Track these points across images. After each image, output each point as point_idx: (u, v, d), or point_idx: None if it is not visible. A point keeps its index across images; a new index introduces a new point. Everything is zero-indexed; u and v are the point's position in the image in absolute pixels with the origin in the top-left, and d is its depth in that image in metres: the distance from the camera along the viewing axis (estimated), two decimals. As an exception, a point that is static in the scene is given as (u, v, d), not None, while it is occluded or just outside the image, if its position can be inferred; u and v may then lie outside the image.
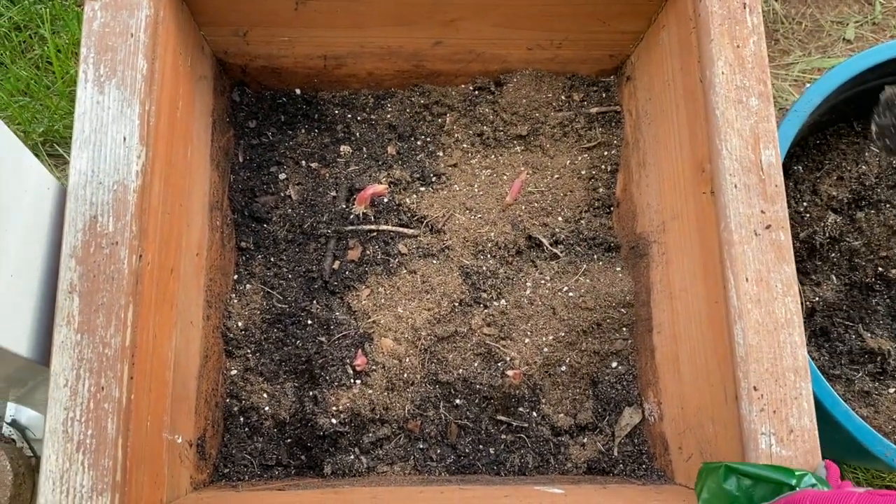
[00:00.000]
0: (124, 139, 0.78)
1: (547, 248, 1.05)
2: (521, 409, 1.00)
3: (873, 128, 0.95)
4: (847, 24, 1.61)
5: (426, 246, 1.05)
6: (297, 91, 1.11)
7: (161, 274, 0.83)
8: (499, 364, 0.99)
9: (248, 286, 1.02)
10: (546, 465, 0.98)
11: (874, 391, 1.06)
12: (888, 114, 0.92)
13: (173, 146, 0.87)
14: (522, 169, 1.09)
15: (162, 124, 0.84)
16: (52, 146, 1.42)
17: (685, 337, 0.90)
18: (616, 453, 0.98)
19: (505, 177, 1.09)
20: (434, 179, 1.09)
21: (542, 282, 1.04)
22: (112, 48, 0.80)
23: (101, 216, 0.76)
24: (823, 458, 0.74)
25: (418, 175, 1.08)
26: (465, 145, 1.11)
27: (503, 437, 0.99)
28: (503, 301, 1.02)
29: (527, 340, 1.00)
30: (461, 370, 0.99)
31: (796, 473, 0.68)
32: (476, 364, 0.99)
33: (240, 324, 1.00)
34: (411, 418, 0.98)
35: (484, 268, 1.03)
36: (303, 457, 0.97)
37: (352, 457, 0.96)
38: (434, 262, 1.04)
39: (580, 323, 1.00)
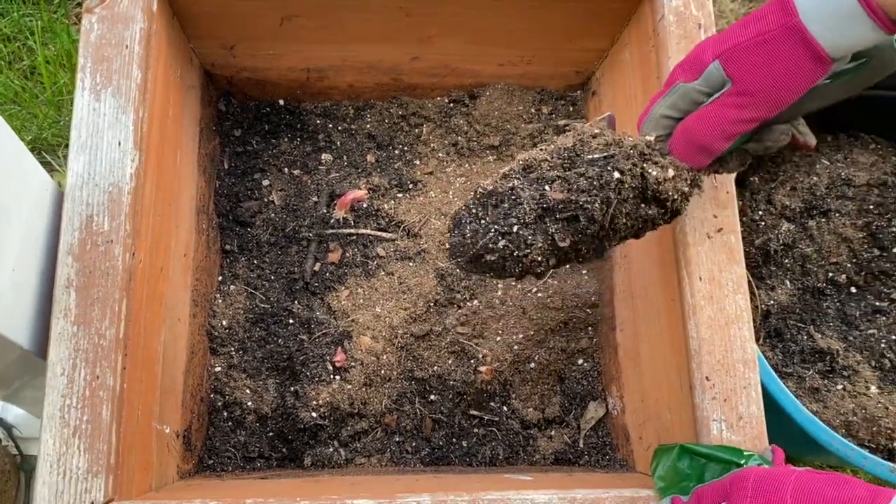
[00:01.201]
0: (119, 144, 0.82)
1: (517, 252, 1.11)
2: (492, 403, 1.05)
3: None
4: (804, 45, 1.68)
5: (403, 249, 1.10)
6: (281, 102, 1.16)
7: (152, 272, 0.87)
8: (471, 361, 1.05)
9: (232, 287, 1.07)
10: (516, 457, 1.03)
11: (823, 388, 1.12)
12: (457, 230, 0.79)
13: (164, 152, 0.92)
14: (495, 177, 1.15)
15: (154, 131, 0.88)
16: (39, 153, 1.46)
17: (645, 333, 0.96)
18: (581, 445, 1.04)
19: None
20: (411, 186, 1.14)
21: (513, 283, 1.09)
22: (108, 58, 0.85)
23: (96, 216, 0.80)
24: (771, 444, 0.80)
25: (396, 182, 1.14)
26: (440, 154, 1.17)
27: (475, 430, 1.04)
28: (476, 301, 1.08)
29: (498, 339, 1.06)
30: (436, 367, 1.04)
31: (745, 453, 0.74)
32: (450, 361, 1.05)
33: (224, 323, 1.04)
34: (388, 412, 1.03)
35: (458, 270, 1.09)
36: (284, 449, 1.02)
37: (331, 449, 1.01)
38: (410, 264, 1.10)
39: (548, 322, 1.06)
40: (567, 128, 1.02)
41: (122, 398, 0.78)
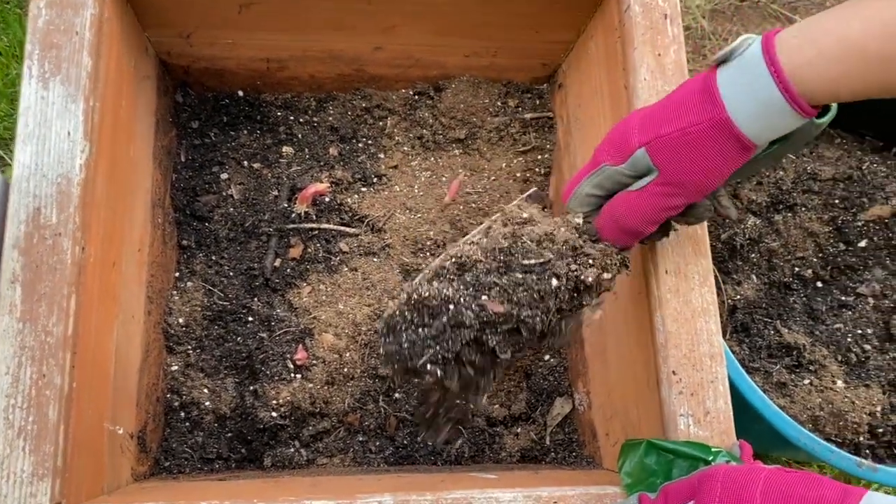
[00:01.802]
0: (68, 134, 0.79)
1: (483, 247, 1.09)
2: (457, 401, 1.03)
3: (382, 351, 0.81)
4: (769, 41, 1.69)
5: (367, 244, 1.08)
6: (240, 93, 1.13)
7: (103, 267, 0.84)
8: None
9: (189, 283, 1.04)
10: (482, 455, 1.01)
11: (790, 383, 1.12)
12: (391, 337, 0.77)
13: (116, 143, 0.89)
14: (461, 171, 1.13)
15: (106, 121, 0.85)
16: (-10, 147, 1.41)
17: (612, 328, 0.95)
18: (548, 442, 1.02)
19: (444, 178, 1.13)
20: (375, 180, 1.12)
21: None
22: (57, 45, 0.82)
23: (44, 208, 0.77)
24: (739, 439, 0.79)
25: (360, 176, 1.11)
26: (405, 148, 1.15)
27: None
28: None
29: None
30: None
31: (712, 450, 0.72)
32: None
33: (181, 320, 1.01)
34: (351, 411, 1.01)
35: (423, 265, 1.06)
36: (243, 450, 0.99)
37: (292, 450, 0.99)
38: (375, 259, 1.07)
39: (514, 318, 1.04)
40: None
41: (71, 398, 0.75)
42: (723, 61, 0.68)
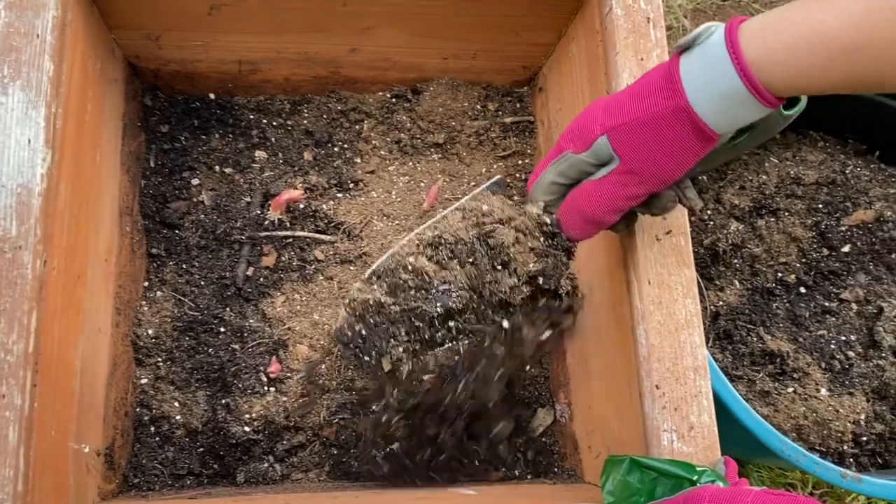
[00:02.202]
0: (29, 141, 0.76)
1: (463, 254, 1.07)
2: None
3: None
4: (751, 42, 1.68)
5: (343, 252, 1.05)
6: (212, 96, 1.10)
7: (67, 280, 0.81)
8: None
9: (158, 293, 1.01)
10: (461, 466, 0.99)
11: (774, 391, 1.10)
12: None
13: (81, 150, 0.86)
14: (439, 176, 1.11)
15: (69, 127, 0.82)
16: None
17: (593, 340, 0.93)
18: (529, 455, 1.00)
19: (422, 184, 1.11)
20: (351, 186, 1.09)
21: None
22: (17, 48, 0.78)
23: (3, 220, 0.74)
24: (724, 454, 0.78)
25: (335, 181, 1.08)
26: (382, 152, 1.12)
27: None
28: (419, 307, 1.03)
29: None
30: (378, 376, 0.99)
31: (697, 469, 0.70)
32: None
33: (150, 332, 0.98)
34: (327, 425, 0.98)
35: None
36: (215, 465, 0.96)
37: (265, 465, 0.96)
38: (351, 268, 1.05)
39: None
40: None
41: (32, 418, 0.72)
42: (686, 48, 0.66)
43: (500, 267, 0.80)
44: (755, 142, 0.74)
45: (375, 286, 0.84)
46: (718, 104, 0.64)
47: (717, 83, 0.63)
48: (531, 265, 0.79)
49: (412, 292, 0.82)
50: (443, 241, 0.82)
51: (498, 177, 0.82)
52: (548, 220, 0.78)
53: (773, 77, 0.61)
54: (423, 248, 0.83)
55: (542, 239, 0.79)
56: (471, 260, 0.80)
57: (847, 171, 1.22)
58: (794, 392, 1.11)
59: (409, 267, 0.82)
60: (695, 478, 0.69)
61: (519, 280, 0.80)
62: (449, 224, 0.82)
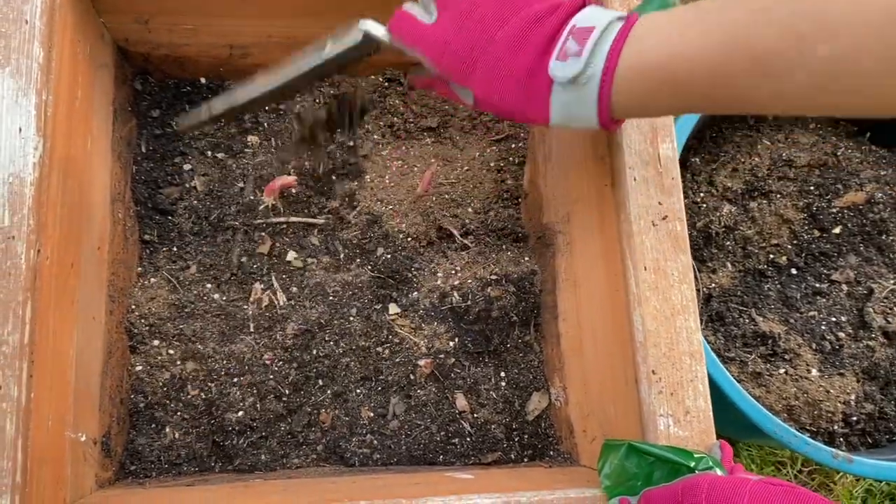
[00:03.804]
0: (20, 130, 0.75)
1: (458, 238, 1.07)
2: (431, 396, 1.01)
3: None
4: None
5: (338, 238, 1.04)
6: (203, 80, 1.08)
7: (61, 269, 0.80)
8: (410, 353, 1.00)
9: (153, 280, 1.00)
10: (458, 446, 0.99)
11: (765, 372, 1.12)
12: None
13: (72, 137, 0.85)
14: (433, 161, 1.10)
15: (60, 114, 0.81)
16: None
17: (588, 324, 0.93)
18: (525, 437, 1.01)
19: (416, 168, 1.10)
20: (345, 171, 1.08)
21: (453, 271, 1.05)
22: (5, 35, 0.77)
23: (-5, 210, 0.73)
24: (719, 437, 0.78)
25: (329, 166, 1.07)
26: (375, 136, 1.11)
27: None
28: (415, 293, 1.03)
29: (439, 329, 1.02)
30: (373, 360, 1.00)
31: (694, 455, 0.71)
32: (388, 354, 1.00)
33: (144, 318, 0.98)
34: (324, 409, 0.98)
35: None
36: (211, 452, 0.96)
37: (261, 450, 0.96)
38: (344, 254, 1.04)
39: (489, 312, 1.02)
40: None
41: (30, 409, 0.71)
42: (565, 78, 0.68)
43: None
44: None
45: None
46: (567, 118, 0.71)
47: (578, 109, 0.69)
48: None
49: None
50: None
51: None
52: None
53: (620, 107, 0.68)
54: None
55: None
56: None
57: (839, 153, 1.22)
58: (786, 373, 1.12)
59: None
60: (692, 464, 0.70)
61: None
62: None
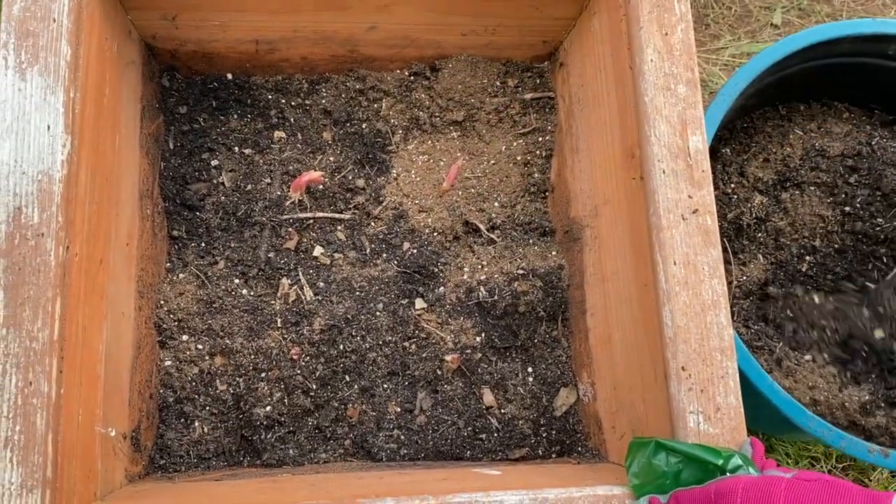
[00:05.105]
0: (48, 127, 0.76)
1: (484, 233, 1.06)
2: (458, 392, 1.01)
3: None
4: (774, 10, 1.65)
5: (366, 234, 1.04)
6: (229, 76, 1.09)
7: (90, 265, 0.81)
8: (437, 349, 1.00)
9: (181, 275, 1.01)
10: (485, 442, 0.99)
11: (793, 360, 1.10)
12: None
13: (100, 134, 0.85)
14: (459, 155, 1.10)
15: (88, 112, 0.81)
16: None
17: (617, 319, 0.92)
18: (553, 433, 1.00)
19: (441, 162, 1.10)
20: (371, 166, 1.08)
21: (480, 266, 1.04)
22: (34, 34, 0.78)
23: (25, 207, 0.74)
24: (750, 433, 0.77)
25: (355, 161, 1.07)
26: (401, 131, 1.11)
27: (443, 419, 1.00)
28: (441, 288, 1.03)
29: (465, 325, 1.01)
30: (400, 356, 0.99)
31: (723, 454, 0.70)
32: (414, 350, 1.00)
33: (173, 314, 0.98)
34: (350, 404, 0.98)
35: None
36: (240, 447, 0.97)
37: (289, 445, 0.96)
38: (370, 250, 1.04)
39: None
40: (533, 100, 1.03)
41: (59, 405, 0.72)
42: None
43: None
44: None
45: None
46: None
47: None
48: None
49: None
50: None
51: None
52: None
53: None
54: None
55: None
56: None
57: (873, 143, 1.19)
58: (813, 361, 1.10)
59: None
60: (721, 462, 0.69)
61: None
62: None
